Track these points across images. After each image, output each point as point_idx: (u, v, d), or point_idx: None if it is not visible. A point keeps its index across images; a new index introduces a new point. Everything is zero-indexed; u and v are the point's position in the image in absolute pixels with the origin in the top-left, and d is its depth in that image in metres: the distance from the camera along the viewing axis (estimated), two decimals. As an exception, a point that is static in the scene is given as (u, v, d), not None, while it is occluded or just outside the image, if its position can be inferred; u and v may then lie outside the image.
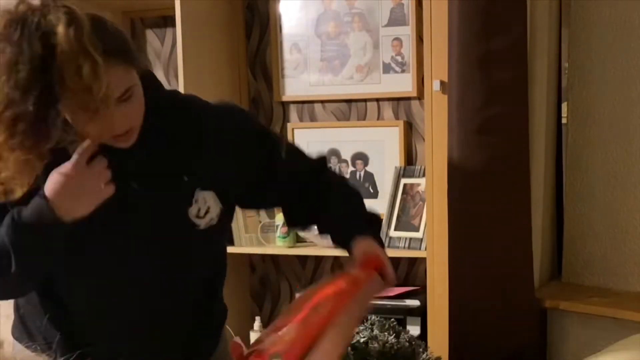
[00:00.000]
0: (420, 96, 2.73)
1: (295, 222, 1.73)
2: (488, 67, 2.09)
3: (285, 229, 2.77)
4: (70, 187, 1.35)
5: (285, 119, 2.95)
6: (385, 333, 2.07)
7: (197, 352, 1.63)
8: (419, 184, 2.67)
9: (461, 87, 2.12)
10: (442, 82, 2.22)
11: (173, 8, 2.67)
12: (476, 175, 2.11)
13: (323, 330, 1.32)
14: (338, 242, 1.60)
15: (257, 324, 2.80)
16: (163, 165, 1.50)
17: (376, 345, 2.03)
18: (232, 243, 2.77)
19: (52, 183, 1.35)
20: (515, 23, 2.08)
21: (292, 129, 2.91)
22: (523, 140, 2.13)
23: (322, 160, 1.69)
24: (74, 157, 1.35)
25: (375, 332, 2.09)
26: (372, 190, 2.85)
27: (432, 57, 2.30)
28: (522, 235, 2.13)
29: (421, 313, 2.47)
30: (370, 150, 2.84)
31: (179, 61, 2.67)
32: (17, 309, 1.61)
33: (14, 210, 1.35)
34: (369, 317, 2.14)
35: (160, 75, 3.11)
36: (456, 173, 2.14)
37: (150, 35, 3.11)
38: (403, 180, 2.73)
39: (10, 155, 1.24)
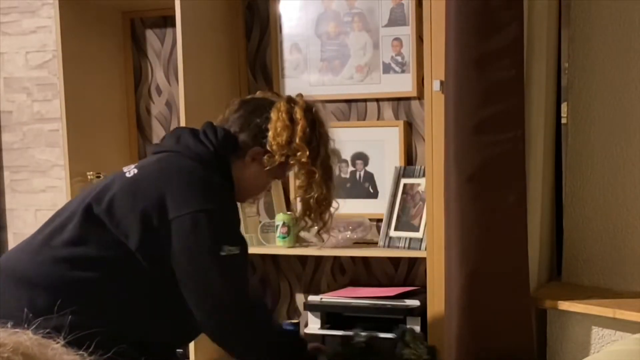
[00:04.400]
0: (420, 96, 2.73)
1: None
2: (484, 67, 2.08)
3: (285, 229, 2.77)
4: None
5: (285, 119, 2.94)
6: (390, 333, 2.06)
7: None
8: (419, 184, 2.67)
9: (458, 87, 2.11)
10: (442, 82, 2.21)
11: (173, 8, 2.67)
12: (472, 176, 2.11)
13: None
14: None
15: (257, 324, 2.79)
16: None
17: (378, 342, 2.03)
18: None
19: None
20: (512, 23, 2.07)
21: (292, 129, 2.90)
22: (519, 141, 2.12)
23: None
24: None
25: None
26: (372, 190, 2.84)
27: (432, 57, 2.30)
28: (517, 236, 2.13)
29: (421, 313, 2.47)
30: (370, 150, 2.84)
31: (179, 61, 2.67)
32: None
33: None
34: (369, 317, 2.14)
35: (160, 75, 3.11)
36: (452, 173, 2.14)
37: (150, 35, 3.11)
38: (403, 180, 2.73)
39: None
